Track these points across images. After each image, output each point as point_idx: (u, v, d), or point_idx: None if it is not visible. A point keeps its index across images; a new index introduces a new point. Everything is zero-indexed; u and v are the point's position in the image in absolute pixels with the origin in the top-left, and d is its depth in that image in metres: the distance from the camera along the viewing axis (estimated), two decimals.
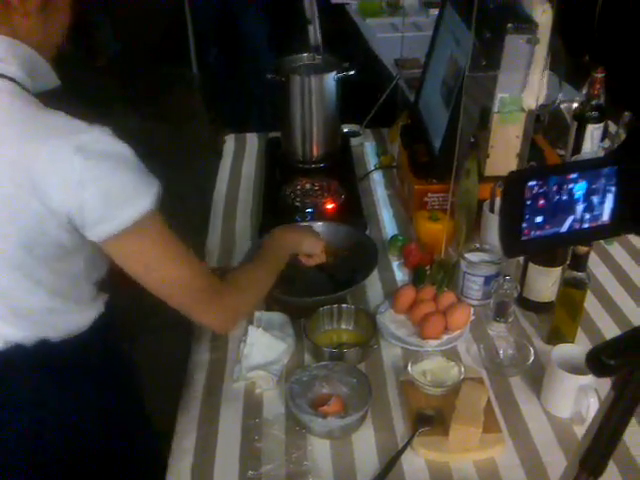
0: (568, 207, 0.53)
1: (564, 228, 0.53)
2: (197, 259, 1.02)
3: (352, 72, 1.70)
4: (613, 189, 0.54)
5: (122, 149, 0.88)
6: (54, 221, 0.87)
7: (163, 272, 0.97)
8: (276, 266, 1.21)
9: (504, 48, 1.37)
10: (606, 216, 0.55)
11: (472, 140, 1.42)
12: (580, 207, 0.53)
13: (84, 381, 1.05)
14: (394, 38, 3.04)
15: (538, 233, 0.51)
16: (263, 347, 1.21)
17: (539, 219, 0.51)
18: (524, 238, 0.50)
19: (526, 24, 1.36)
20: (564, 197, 0.51)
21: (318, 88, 1.68)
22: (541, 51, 1.41)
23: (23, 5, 0.89)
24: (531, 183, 0.49)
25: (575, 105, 1.91)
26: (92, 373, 1.06)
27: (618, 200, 0.54)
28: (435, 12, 3.19)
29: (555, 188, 0.50)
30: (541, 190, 0.49)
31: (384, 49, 2.92)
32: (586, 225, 0.55)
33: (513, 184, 0.51)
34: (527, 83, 1.43)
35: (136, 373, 1.21)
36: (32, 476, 1.05)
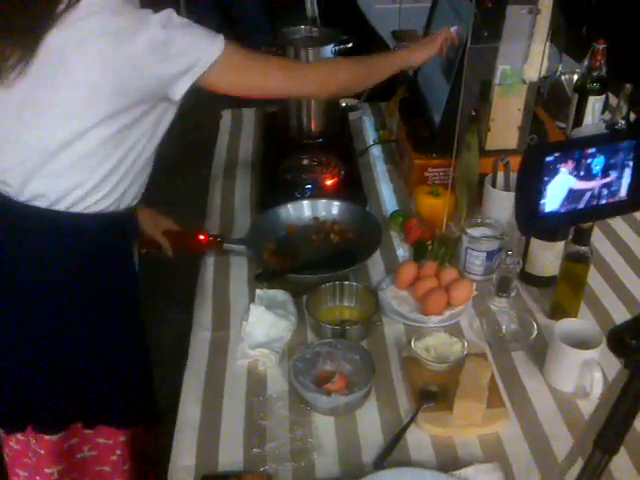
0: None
1: (582, 204, 0.52)
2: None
3: (350, 45, 1.67)
4: (631, 164, 0.52)
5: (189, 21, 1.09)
6: (136, 69, 1.03)
7: (259, 81, 1.18)
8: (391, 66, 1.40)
9: (505, 19, 1.35)
10: (623, 192, 0.54)
11: (473, 114, 1.39)
12: (598, 183, 0.52)
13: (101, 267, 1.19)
14: (392, 9, 2.99)
15: (556, 209, 0.49)
16: (265, 325, 1.21)
17: (557, 195, 0.49)
18: (541, 215, 0.49)
19: None
20: (582, 172, 0.50)
21: (316, 61, 1.65)
22: (543, 22, 1.38)
23: None
24: (549, 158, 0.47)
25: (576, 77, 1.89)
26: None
27: (636, 175, 0.53)
28: None
29: (573, 163, 0.49)
30: (559, 165, 0.48)
31: (381, 20, 2.87)
32: (604, 201, 0.54)
33: (531, 159, 0.50)
34: (528, 55, 1.41)
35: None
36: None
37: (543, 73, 1.44)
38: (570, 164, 0.48)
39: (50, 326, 1.18)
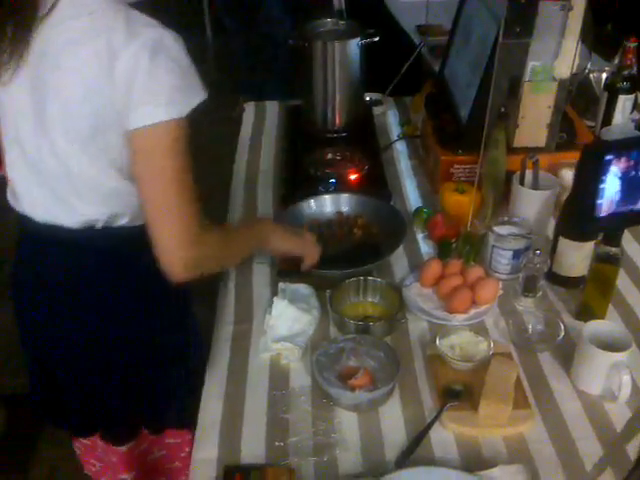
0: None
1: (638, 205, 0.50)
2: (196, 200, 1.01)
3: (376, 39, 1.66)
4: None
5: (181, 56, 0.97)
6: (118, 96, 0.94)
7: (161, 184, 0.99)
8: (250, 251, 1.28)
9: (537, 15, 1.33)
10: None
11: (502, 110, 1.38)
12: None
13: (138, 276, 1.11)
14: (417, 3, 2.97)
15: (613, 210, 0.48)
16: (288, 319, 1.20)
17: (615, 195, 0.48)
18: (599, 215, 0.48)
19: None
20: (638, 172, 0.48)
21: (342, 55, 1.64)
22: (575, 18, 1.36)
23: None
24: (607, 157, 0.46)
25: (604, 75, 1.86)
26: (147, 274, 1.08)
27: None
28: None
29: (632, 163, 0.47)
30: (617, 165, 0.47)
31: (406, 14, 2.84)
32: None
33: (589, 159, 0.48)
34: (559, 51, 1.39)
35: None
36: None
37: (573, 70, 1.42)
38: (626, 163, 0.46)
39: (115, 336, 1.15)
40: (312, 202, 1.46)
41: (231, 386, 1.12)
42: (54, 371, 1.20)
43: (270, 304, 1.24)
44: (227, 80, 4.06)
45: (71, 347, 1.16)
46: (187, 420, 1.24)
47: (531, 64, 1.39)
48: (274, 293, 1.28)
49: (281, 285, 1.29)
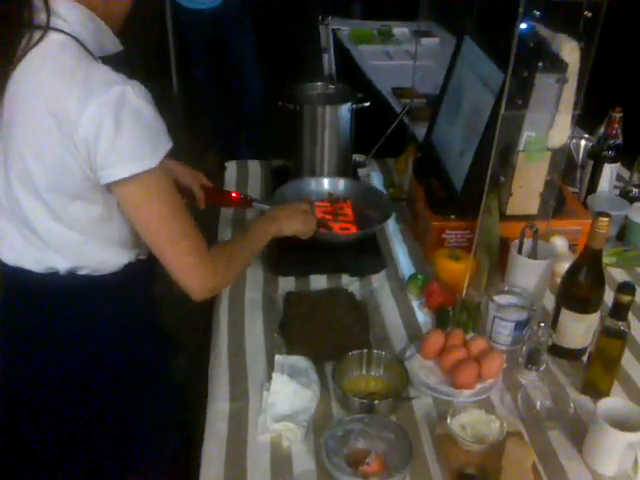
0: None
1: None
2: (196, 227, 1.08)
3: (367, 103, 1.66)
4: None
5: (146, 109, 0.97)
6: (76, 155, 0.95)
7: (158, 227, 1.03)
8: (258, 247, 1.30)
9: (534, 87, 1.35)
10: None
11: (502, 179, 1.38)
12: None
13: (103, 323, 1.12)
14: (388, 66, 3.04)
15: None
16: (289, 395, 1.14)
17: None
18: None
19: (557, 63, 1.34)
20: None
21: (333, 119, 1.63)
22: (569, 90, 1.39)
23: None
24: None
25: (583, 142, 1.91)
26: (115, 318, 1.13)
27: None
28: (427, 41, 3.22)
29: None
30: None
31: (377, 76, 2.90)
32: None
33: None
34: (553, 123, 1.41)
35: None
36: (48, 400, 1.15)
37: (565, 141, 1.44)
38: None
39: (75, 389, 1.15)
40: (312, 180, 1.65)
41: (230, 471, 1.04)
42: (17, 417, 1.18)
43: (268, 378, 1.18)
44: (197, 133, 4.04)
45: (34, 395, 1.15)
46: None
47: (526, 134, 1.40)
48: (269, 363, 1.22)
49: (278, 357, 1.23)
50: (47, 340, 1.12)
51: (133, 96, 0.95)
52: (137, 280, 1.15)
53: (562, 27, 1.37)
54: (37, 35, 0.97)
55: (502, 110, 1.22)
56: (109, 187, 1.00)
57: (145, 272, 1.17)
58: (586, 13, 1.17)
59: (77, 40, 0.99)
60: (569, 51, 1.36)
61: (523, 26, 1.28)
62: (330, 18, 1.68)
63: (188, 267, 1.07)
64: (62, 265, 1.08)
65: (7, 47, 0.96)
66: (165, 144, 1.00)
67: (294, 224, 1.36)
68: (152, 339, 1.23)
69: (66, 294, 1.09)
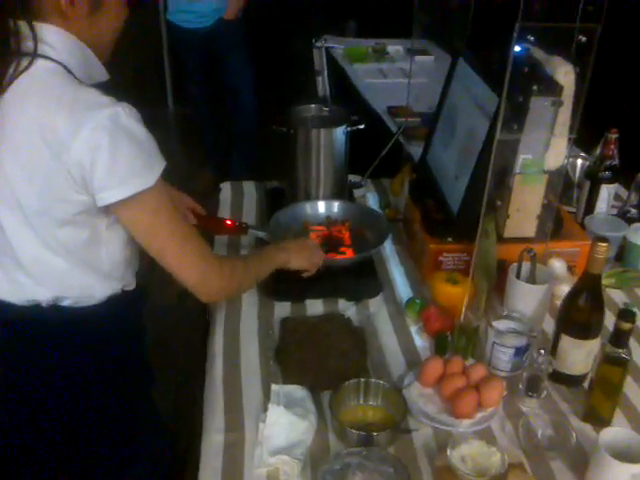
0: None
1: None
2: (200, 236, 1.11)
3: (362, 126, 1.65)
4: None
5: (138, 129, 0.98)
6: (68, 179, 0.96)
7: (163, 238, 1.05)
8: (264, 270, 1.32)
9: (529, 110, 1.34)
10: None
11: (499, 204, 1.37)
12: None
13: (87, 356, 1.13)
14: (383, 84, 3.04)
15: None
16: (285, 427, 1.11)
17: None
18: None
19: (552, 86, 1.33)
20: None
21: (328, 142, 1.62)
22: (564, 113, 1.38)
23: (73, 11, 0.99)
24: None
25: (579, 161, 1.90)
26: (99, 352, 1.14)
27: None
28: (421, 59, 3.22)
29: None
30: None
31: (372, 94, 2.89)
32: None
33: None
34: (549, 145, 1.40)
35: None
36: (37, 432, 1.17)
37: (562, 163, 1.43)
38: None
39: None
40: (307, 205, 1.66)
41: None
42: None
43: (264, 409, 1.15)
44: (192, 151, 4.04)
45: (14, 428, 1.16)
46: None
47: (522, 157, 1.39)
48: (265, 393, 1.20)
49: (274, 387, 1.21)
50: (29, 372, 1.12)
51: (125, 117, 0.96)
52: (121, 313, 1.14)
53: (556, 50, 1.36)
54: (25, 62, 0.97)
55: (497, 135, 1.21)
56: (108, 208, 1.01)
57: (130, 305, 1.16)
58: (580, 38, 1.16)
59: (65, 67, 0.99)
60: (564, 73, 1.36)
61: (517, 49, 1.28)
62: (324, 39, 1.65)
63: (195, 267, 1.10)
64: (44, 296, 1.07)
65: None
66: (160, 162, 1.02)
67: (301, 260, 1.38)
68: (136, 373, 1.23)
69: (49, 327, 1.09)
